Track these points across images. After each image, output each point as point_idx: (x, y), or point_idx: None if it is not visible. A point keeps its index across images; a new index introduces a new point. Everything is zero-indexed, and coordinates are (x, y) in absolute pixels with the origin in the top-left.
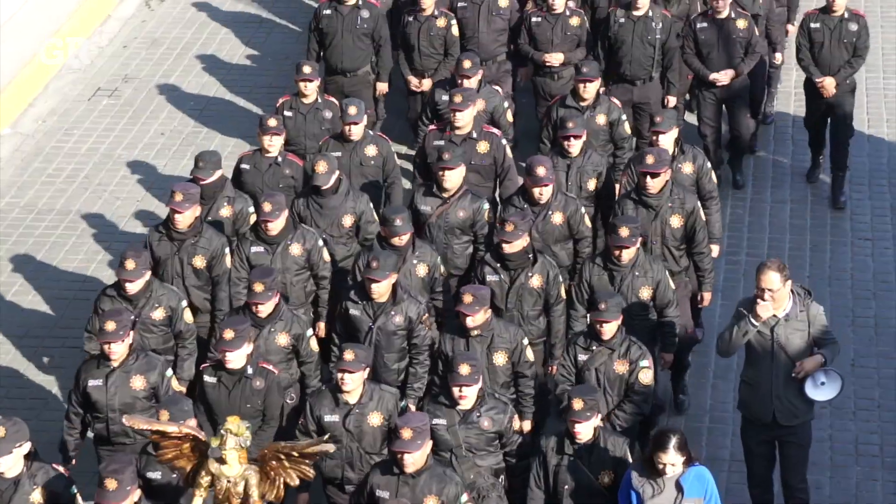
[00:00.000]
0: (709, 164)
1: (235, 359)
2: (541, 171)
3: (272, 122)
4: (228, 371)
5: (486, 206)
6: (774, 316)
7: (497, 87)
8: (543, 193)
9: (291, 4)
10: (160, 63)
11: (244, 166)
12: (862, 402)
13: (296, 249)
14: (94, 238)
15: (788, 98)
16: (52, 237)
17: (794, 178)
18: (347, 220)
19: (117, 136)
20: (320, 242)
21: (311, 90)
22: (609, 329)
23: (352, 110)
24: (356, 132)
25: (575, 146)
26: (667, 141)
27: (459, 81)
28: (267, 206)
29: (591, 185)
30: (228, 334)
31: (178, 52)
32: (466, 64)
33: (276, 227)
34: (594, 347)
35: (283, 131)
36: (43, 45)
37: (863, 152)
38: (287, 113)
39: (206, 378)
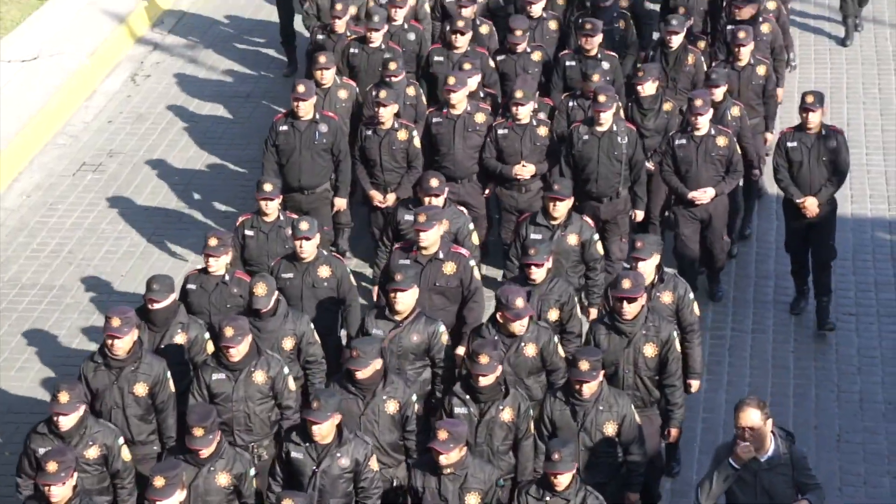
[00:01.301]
0: (691, 295)
1: None
2: (519, 302)
3: (212, 242)
4: None
5: (442, 328)
6: (756, 459)
7: (462, 209)
8: (517, 328)
9: (276, 80)
10: (145, 138)
11: (190, 286)
12: (848, 477)
13: (259, 377)
14: (77, 313)
15: (770, 214)
16: (36, 312)
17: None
18: (288, 343)
19: (101, 210)
20: (286, 370)
21: (272, 208)
22: (563, 480)
23: (303, 226)
24: (307, 249)
25: (537, 274)
26: (647, 268)
27: (426, 200)
28: (228, 331)
29: (554, 315)
30: (158, 482)
31: (162, 127)
32: (433, 182)
33: (238, 352)
34: (547, 498)
35: (229, 250)
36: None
37: (846, 227)
38: (248, 232)
39: None
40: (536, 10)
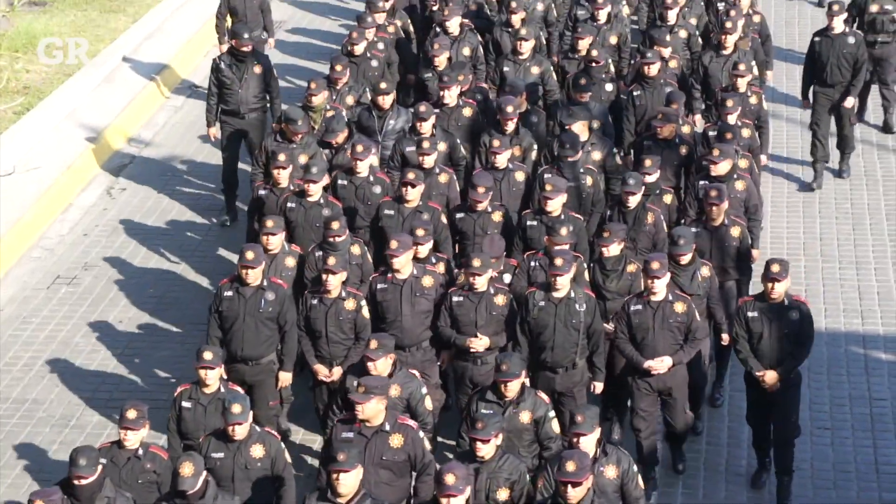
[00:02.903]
0: (635, 468)
1: None
2: (450, 479)
3: (131, 415)
4: None
5: None
6: None
7: (414, 372)
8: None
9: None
10: (120, 251)
11: (102, 460)
12: None
13: None
14: (49, 427)
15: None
16: (8, 426)
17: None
18: None
19: (75, 324)
20: None
21: (212, 378)
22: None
23: (235, 409)
24: (239, 431)
25: (484, 450)
26: (588, 443)
27: (369, 364)
28: None
29: (503, 495)
30: None
31: (138, 240)
32: (373, 344)
33: None
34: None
35: (147, 423)
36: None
37: (821, 341)
38: (185, 404)
39: None
40: (501, 160)
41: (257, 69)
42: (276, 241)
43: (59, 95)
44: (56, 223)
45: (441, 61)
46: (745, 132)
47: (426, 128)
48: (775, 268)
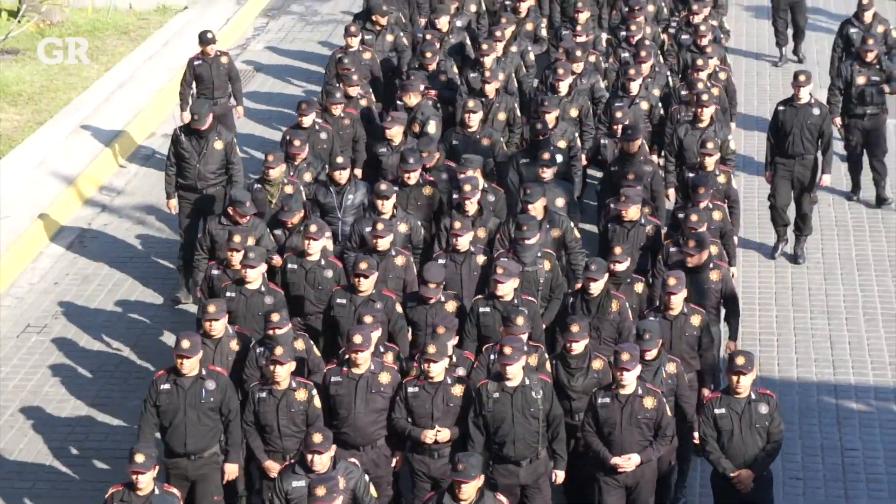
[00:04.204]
0: None
1: None
2: None
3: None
4: None
5: None
6: None
7: (354, 461)
8: None
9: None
10: (91, 300)
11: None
12: None
13: None
14: (17, 476)
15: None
16: None
17: None
18: None
19: (44, 373)
20: None
21: (144, 483)
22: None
23: None
24: None
25: None
26: None
27: (309, 458)
28: None
29: None
30: None
31: (108, 289)
32: (317, 438)
33: None
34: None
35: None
36: None
37: (792, 391)
38: None
39: None
40: (463, 243)
41: (218, 144)
42: (218, 327)
43: (31, 143)
44: (27, 272)
45: (393, 134)
46: (717, 215)
47: (387, 207)
48: (740, 360)
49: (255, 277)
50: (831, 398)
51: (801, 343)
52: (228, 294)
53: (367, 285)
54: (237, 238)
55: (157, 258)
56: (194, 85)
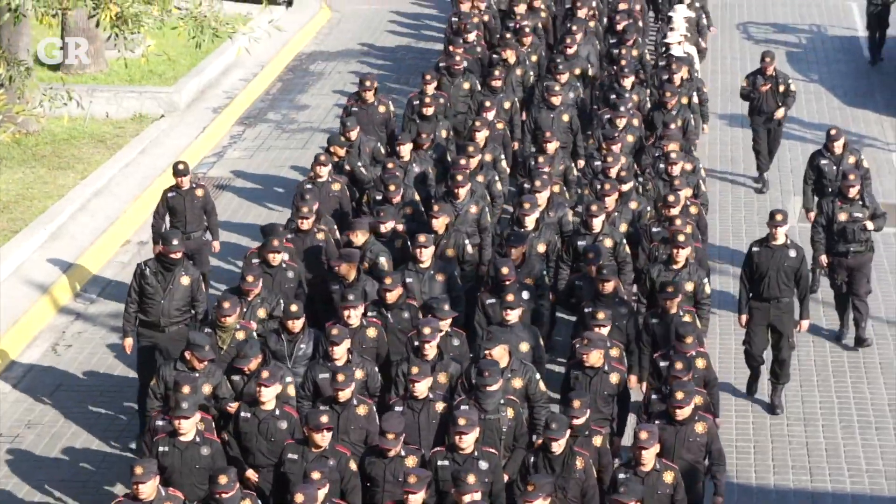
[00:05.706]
0: None
1: None
2: None
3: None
4: None
5: None
6: None
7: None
8: None
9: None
10: (64, 409)
11: None
12: None
13: None
14: None
15: None
16: None
17: None
18: None
19: (16, 483)
20: None
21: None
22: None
23: None
24: None
25: None
26: None
27: None
28: None
29: None
30: None
31: (81, 398)
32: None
33: None
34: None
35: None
36: None
37: (769, 498)
38: None
39: None
40: (421, 390)
41: (185, 280)
42: (146, 490)
43: (6, 251)
44: None
45: (343, 271)
46: (700, 363)
47: (339, 352)
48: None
49: (189, 428)
50: None
51: (777, 450)
52: (161, 448)
53: (324, 441)
54: (186, 389)
55: (130, 367)
56: (167, 217)
